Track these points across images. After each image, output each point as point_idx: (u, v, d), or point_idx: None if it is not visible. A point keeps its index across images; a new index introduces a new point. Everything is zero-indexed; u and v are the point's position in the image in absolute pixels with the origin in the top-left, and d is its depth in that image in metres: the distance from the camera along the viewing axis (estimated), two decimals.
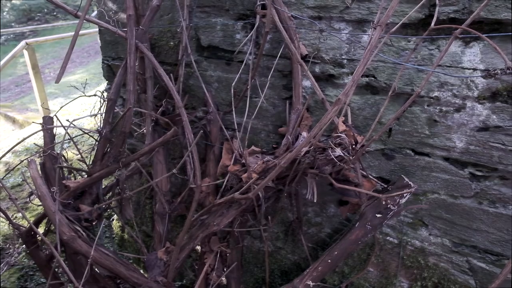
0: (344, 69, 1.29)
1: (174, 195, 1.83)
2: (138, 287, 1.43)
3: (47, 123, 1.58)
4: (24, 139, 1.50)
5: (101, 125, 1.51)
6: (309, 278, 1.27)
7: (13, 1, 13.37)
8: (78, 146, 2.49)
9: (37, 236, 1.58)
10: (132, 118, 1.44)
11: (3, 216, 1.70)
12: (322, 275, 1.29)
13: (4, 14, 13.30)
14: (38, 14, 13.31)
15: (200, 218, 1.49)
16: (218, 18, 1.52)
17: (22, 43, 5.06)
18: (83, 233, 1.40)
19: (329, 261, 1.25)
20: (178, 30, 1.63)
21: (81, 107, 3.76)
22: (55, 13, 13.46)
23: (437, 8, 1.04)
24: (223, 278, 1.70)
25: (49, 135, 1.57)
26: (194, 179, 1.42)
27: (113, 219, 2.41)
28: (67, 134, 1.52)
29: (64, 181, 1.50)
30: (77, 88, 1.92)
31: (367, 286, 1.45)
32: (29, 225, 1.51)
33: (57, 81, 1.00)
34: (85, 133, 1.55)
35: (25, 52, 5.07)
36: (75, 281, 1.21)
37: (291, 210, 1.57)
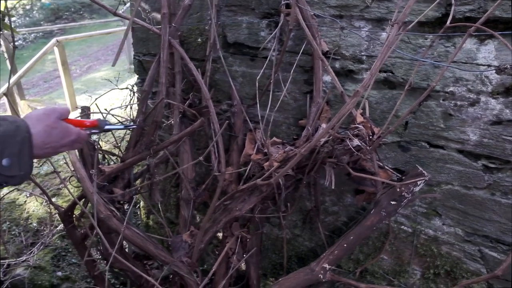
0: (363, 64, 1.36)
1: (198, 183, 1.94)
2: (165, 265, 1.54)
3: (85, 112, 1.72)
4: None
5: (135, 115, 1.63)
6: (325, 261, 1.35)
7: (42, 0, 13.93)
8: (110, 135, 2.65)
9: (74, 216, 1.73)
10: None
11: (43, 197, 1.84)
12: (338, 259, 1.37)
13: (34, 13, 13.87)
14: (65, 13, 13.83)
15: (224, 203, 1.59)
16: (244, 17, 1.62)
17: (53, 40, 5.33)
18: (117, 213, 1.53)
19: (345, 245, 1.33)
20: (206, 27, 1.74)
21: (109, 101, 3.95)
22: (81, 12, 13.94)
23: (453, 7, 1.10)
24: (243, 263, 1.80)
25: None
26: (219, 166, 1.52)
27: (139, 207, 2.55)
28: None
29: (100, 166, 1.64)
30: (110, 82, 2.07)
31: (380, 272, 1.52)
32: (68, 204, 1.65)
33: (113, 64, 1.16)
34: (120, 122, 1.68)
35: (55, 49, 5.34)
36: (109, 248, 1.33)
37: (309, 199, 1.65)
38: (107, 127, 0.93)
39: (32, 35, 12.56)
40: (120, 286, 2.18)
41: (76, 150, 1.70)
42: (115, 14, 1.51)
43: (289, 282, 1.42)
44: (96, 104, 1.65)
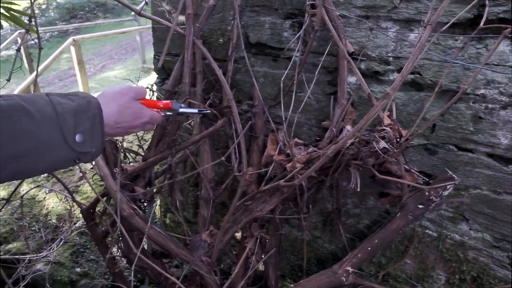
0: (390, 66, 1.34)
1: (217, 183, 1.94)
2: (186, 264, 1.55)
3: None
4: None
5: None
6: (348, 264, 1.34)
7: (58, 0, 14.16)
8: (131, 135, 2.68)
9: (96, 213, 1.75)
10: None
11: (63, 193, 1.86)
12: (361, 262, 1.35)
13: (50, 12, 14.10)
14: (80, 13, 14.02)
15: (244, 204, 1.59)
16: (267, 17, 1.61)
17: (70, 39, 5.41)
18: (140, 211, 1.54)
19: (369, 248, 1.31)
20: (228, 28, 1.73)
21: None
22: (95, 12, 14.12)
23: (486, 8, 1.08)
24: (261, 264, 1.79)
25: None
26: (240, 166, 1.52)
27: (156, 205, 2.57)
28: None
29: (122, 164, 1.65)
30: (131, 81, 2.08)
31: (403, 277, 1.50)
32: (90, 202, 1.67)
33: (159, 65, 1.30)
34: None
35: (72, 48, 5.42)
36: (134, 247, 1.34)
37: (330, 201, 1.64)
38: (181, 110, 0.89)
39: (48, 34, 12.76)
40: (137, 283, 2.20)
41: None
42: (140, 15, 1.52)
43: (310, 284, 1.41)
44: None
